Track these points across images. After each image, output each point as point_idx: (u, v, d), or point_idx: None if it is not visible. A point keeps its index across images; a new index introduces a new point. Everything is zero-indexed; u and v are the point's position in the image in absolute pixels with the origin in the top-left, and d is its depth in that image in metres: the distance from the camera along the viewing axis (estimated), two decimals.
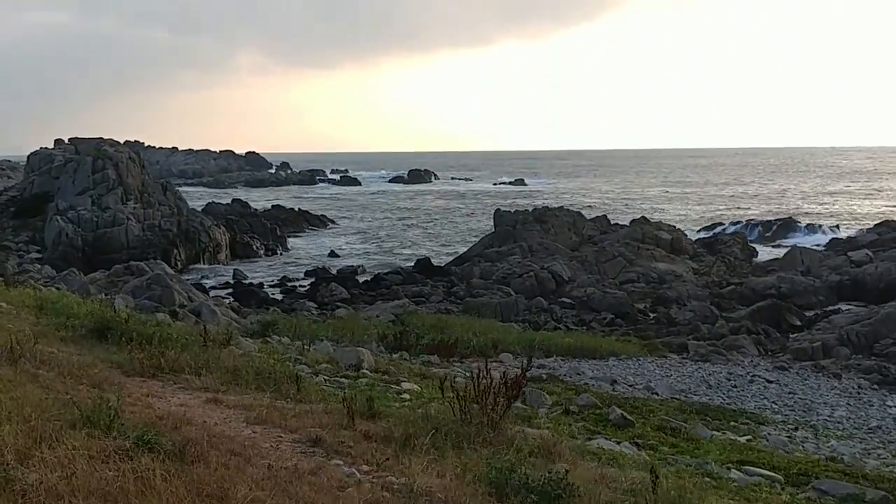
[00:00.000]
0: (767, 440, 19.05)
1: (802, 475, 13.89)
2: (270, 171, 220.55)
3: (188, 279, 53.42)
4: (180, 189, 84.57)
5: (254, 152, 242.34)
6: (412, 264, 67.40)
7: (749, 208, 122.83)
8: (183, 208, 76.09)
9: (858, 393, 28.83)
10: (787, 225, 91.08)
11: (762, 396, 26.55)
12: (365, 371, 18.97)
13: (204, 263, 70.41)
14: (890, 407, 26.36)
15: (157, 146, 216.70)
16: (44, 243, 68.42)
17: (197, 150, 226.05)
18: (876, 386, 30.28)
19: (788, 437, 20.20)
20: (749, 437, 19.03)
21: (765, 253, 73.41)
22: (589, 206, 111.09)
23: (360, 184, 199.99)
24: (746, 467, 13.78)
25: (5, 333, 13.79)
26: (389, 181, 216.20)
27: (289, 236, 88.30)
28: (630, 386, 26.45)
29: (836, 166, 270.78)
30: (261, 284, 60.44)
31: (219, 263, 71.04)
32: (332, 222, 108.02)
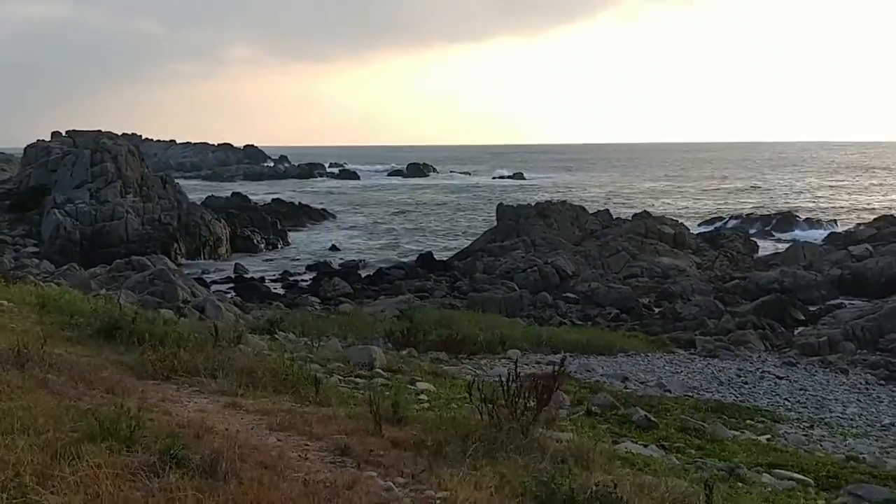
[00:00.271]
0: (786, 439, 18.69)
1: (832, 478, 13.50)
2: (269, 164, 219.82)
3: (188, 273, 53.09)
4: (178, 182, 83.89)
5: (252, 145, 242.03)
6: (414, 259, 67.14)
7: (747, 202, 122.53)
8: (183, 202, 75.57)
9: (867, 389, 28.51)
10: (786, 219, 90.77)
11: (774, 393, 26.19)
12: (378, 370, 18.58)
13: (204, 258, 69.95)
14: None
15: (155, 139, 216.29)
16: (41, 237, 67.89)
17: (195, 143, 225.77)
18: (883, 381, 29.97)
19: (805, 435, 19.84)
20: (768, 435, 18.66)
21: (766, 247, 73.10)
22: (590, 201, 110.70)
23: (358, 178, 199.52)
24: (776, 470, 13.41)
25: (10, 334, 13.43)
26: (388, 175, 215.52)
27: (289, 230, 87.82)
28: (642, 383, 26.04)
29: (829, 161, 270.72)
30: (262, 279, 60.05)
31: (219, 258, 70.61)
32: (333, 216, 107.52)
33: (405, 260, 68.33)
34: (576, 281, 53.49)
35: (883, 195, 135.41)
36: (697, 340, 36.92)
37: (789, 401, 24.99)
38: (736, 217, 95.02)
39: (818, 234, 79.67)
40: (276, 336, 24.75)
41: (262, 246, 77.83)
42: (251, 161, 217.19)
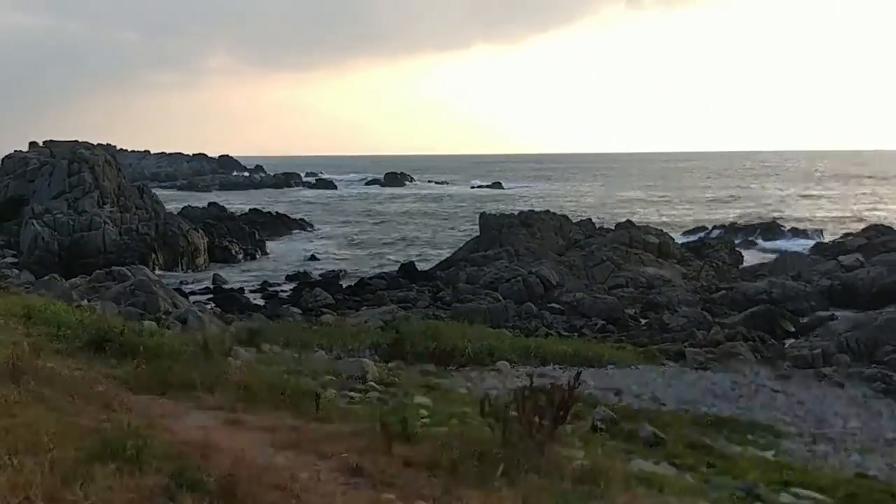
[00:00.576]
0: (791, 455, 18.29)
1: (850, 497, 13.09)
2: (244, 174, 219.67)
3: (167, 284, 52.53)
4: (154, 192, 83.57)
5: (227, 155, 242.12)
6: (394, 268, 66.71)
7: (730, 212, 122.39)
8: (160, 212, 75.16)
9: (865, 402, 28.12)
10: (771, 229, 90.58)
11: (771, 407, 25.71)
12: (371, 383, 18.15)
13: (182, 268, 69.37)
14: None
15: (129, 149, 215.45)
16: (19, 248, 67.39)
17: (169, 153, 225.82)
18: (881, 395, 29.67)
19: (809, 451, 19.43)
20: (772, 451, 18.25)
21: (750, 257, 72.89)
22: (570, 210, 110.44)
23: (335, 187, 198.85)
24: (793, 489, 12.96)
25: (1, 347, 13.00)
26: (366, 184, 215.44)
27: (267, 240, 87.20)
28: (636, 396, 25.53)
29: (812, 170, 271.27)
30: (241, 289, 59.43)
31: (197, 268, 70.03)
32: (311, 226, 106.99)
33: (385, 270, 67.87)
34: (560, 291, 53.13)
35: (869, 204, 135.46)
36: (687, 352, 36.52)
37: (788, 415, 24.53)
38: (719, 227, 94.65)
39: (804, 244, 79.29)
40: (263, 348, 24.23)
41: (240, 256, 77.13)
42: (226, 171, 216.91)
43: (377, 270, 68.52)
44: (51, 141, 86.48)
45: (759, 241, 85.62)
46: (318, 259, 77.00)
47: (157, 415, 10.33)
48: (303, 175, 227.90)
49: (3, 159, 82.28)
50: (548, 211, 77.01)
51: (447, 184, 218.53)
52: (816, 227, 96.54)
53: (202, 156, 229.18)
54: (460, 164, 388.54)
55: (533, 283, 54.08)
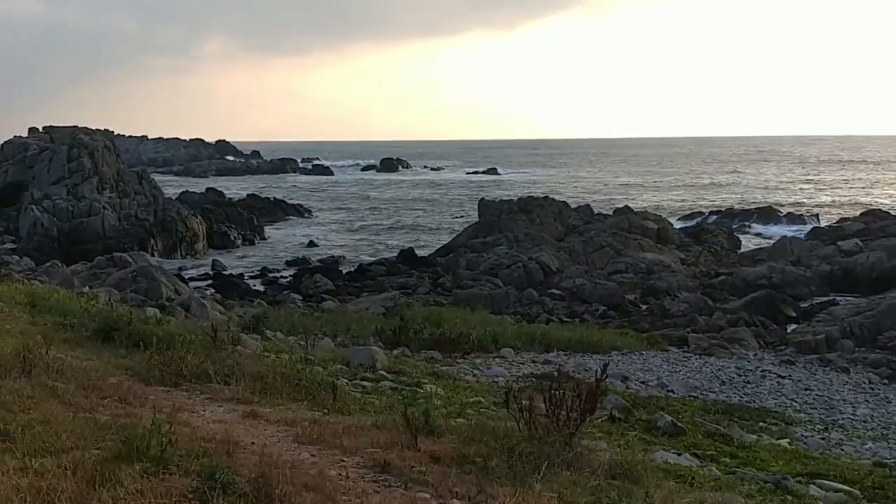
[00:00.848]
0: (805, 443, 18.07)
1: (878, 489, 12.86)
2: (241, 159, 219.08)
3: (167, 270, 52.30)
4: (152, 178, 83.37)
5: (224, 141, 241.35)
6: (393, 254, 66.52)
7: (726, 197, 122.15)
8: (159, 197, 75.09)
9: (872, 388, 27.99)
10: (767, 214, 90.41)
11: (779, 393, 25.59)
12: (382, 372, 17.90)
13: (181, 254, 69.15)
14: None
15: (127, 135, 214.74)
16: (18, 234, 67.23)
17: (167, 139, 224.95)
18: (886, 381, 29.48)
19: (823, 438, 19.25)
20: (787, 439, 18.02)
21: (747, 242, 72.78)
22: (567, 196, 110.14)
23: (332, 173, 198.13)
24: (820, 481, 12.72)
25: (9, 337, 12.77)
26: (362, 170, 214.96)
27: (265, 226, 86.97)
28: (642, 383, 25.40)
29: (806, 155, 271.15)
30: (241, 275, 59.26)
31: (196, 254, 69.82)
32: (308, 212, 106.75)
33: (384, 256, 67.65)
34: (560, 277, 52.93)
35: (863, 189, 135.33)
36: (690, 338, 36.36)
37: (796, 401, 24.41)
38: (716, 212, 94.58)
39: (800, 229, 79.18)
40: (268, 336, 23.97)
41: (239, 242, 76.93)
42: (223, 156, 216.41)
43: (376, 256, 68.33)
44: (50, 126, 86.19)
45: (756, 226, 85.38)
46: (316, 245, 76.86)
47: (173, 408, 10.06)
48: (299, 161, 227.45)
49: (2, 145, 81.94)
50: (547, 197, 76.92)
51: (442, 170, 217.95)
52: (808, 211, 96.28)
53: (199, 141, 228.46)
54: (456, 150, 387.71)
55: (533, 269, 53.88)
